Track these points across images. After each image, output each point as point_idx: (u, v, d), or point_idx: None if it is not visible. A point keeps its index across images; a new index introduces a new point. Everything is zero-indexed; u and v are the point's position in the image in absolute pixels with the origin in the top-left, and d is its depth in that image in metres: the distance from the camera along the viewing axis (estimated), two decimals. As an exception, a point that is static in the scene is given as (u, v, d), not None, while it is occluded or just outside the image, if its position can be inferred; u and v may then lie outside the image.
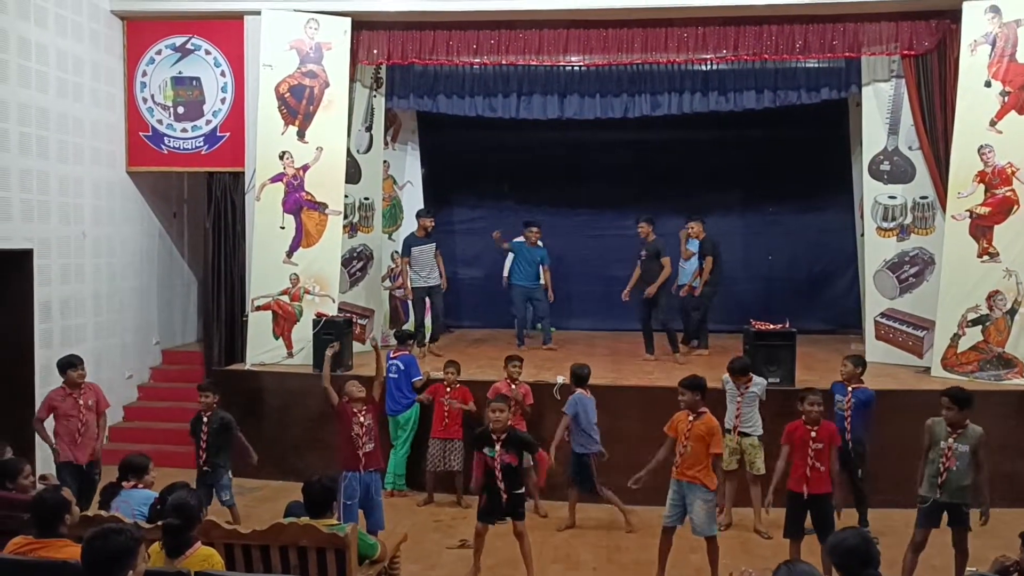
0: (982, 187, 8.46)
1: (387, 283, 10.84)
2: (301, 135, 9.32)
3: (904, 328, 9.39)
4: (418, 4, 9.32)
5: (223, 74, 9.77)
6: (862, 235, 10.17)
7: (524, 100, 10.03)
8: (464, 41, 9.57)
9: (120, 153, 9.85)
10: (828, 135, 10.93)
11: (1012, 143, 8.37)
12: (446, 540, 6.89)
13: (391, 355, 8.27)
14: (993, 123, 8.43)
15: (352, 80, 9.61)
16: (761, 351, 7.99)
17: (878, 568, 3.37)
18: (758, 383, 7.25)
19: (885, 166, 9.48)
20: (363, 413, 6.58)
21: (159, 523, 4.08)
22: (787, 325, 8.29)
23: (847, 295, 11.89)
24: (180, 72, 9.81)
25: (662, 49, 9.43)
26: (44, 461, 7.76)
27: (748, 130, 11.16)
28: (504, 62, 9.70)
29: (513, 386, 7.54)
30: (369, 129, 10.21)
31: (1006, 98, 8.39)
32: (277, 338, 9.28)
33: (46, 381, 8.25)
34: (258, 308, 9.27)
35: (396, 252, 11.00)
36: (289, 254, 9.32)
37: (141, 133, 9.90)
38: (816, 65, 9.63)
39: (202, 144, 9.85)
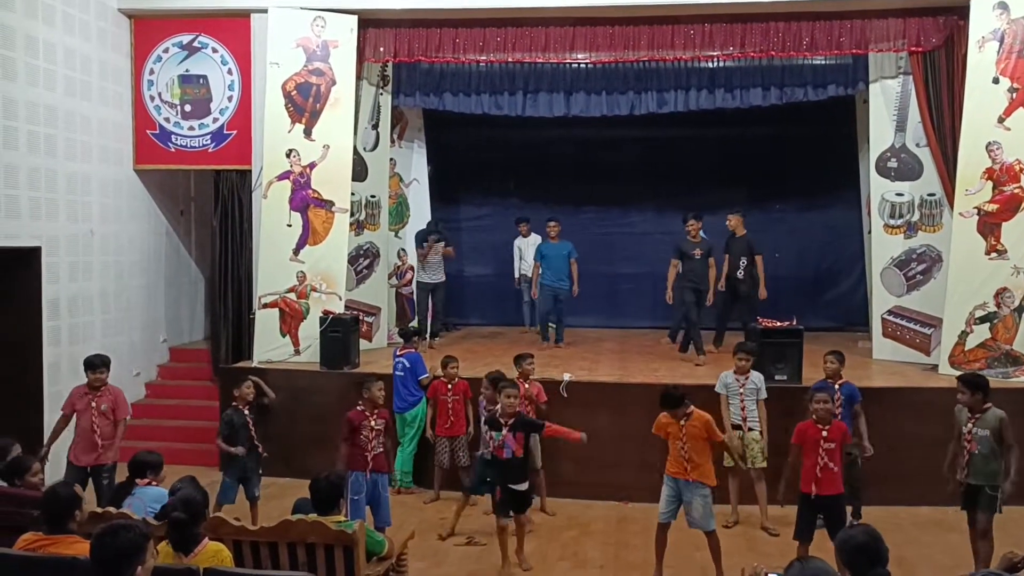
0: (990, 184, 8.43)
1: (393, 280, 10.86)
2: (308, 133, 9.34)
3: (911, 326, 9.36)
4: (424, 2, 9.32)
5: (230, 72, 9.79)
6: (869, 232, 10.14)
7: (530, 98, 10.03)
8: (470, 39, 9.56)
9: (127, 151, 9.88)
10: (835, 132, 10.91)
11: (1020, 140, 8.33)
12: (454, 537, 6.89)
13: (397, 353, 8.28)
14: (1001, 120, 8.39)
15: (359, 78, 9.62)
16: (768, 349, 7.96)
17: (886, 566, 3.33)
18: (756, 377, 7.23)
19: (892, 163, 9.45)
20: (375, 417, 6.55)
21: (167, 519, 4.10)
22: (794, 323, 8.27)
23: (854, 293, 11.88)
24: (187, 70, 9.84)
25: (669, 46, 9.40)
26: (52, 457, 7.81)
27: (755, 127, 11.15)
28: (510, 60, 9.69)
29: (526, 384, 7.41)
30: (376, 127, 10.23)
31: (1014, 95, 8.35)
32: (284, 336, 9.30)
33: (54, 379, 8.30)
34: (265, 306, 9.29)
35: (403, 250, 11.04)
36: (296, 252, 9.34)
37: (148, 131, 9.93)
38: (823, 62, 9.61)
39: (209, 142, 9.88)
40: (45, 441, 6.87)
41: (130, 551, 3.11)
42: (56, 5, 8.58)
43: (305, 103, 9.31)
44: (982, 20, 8.44)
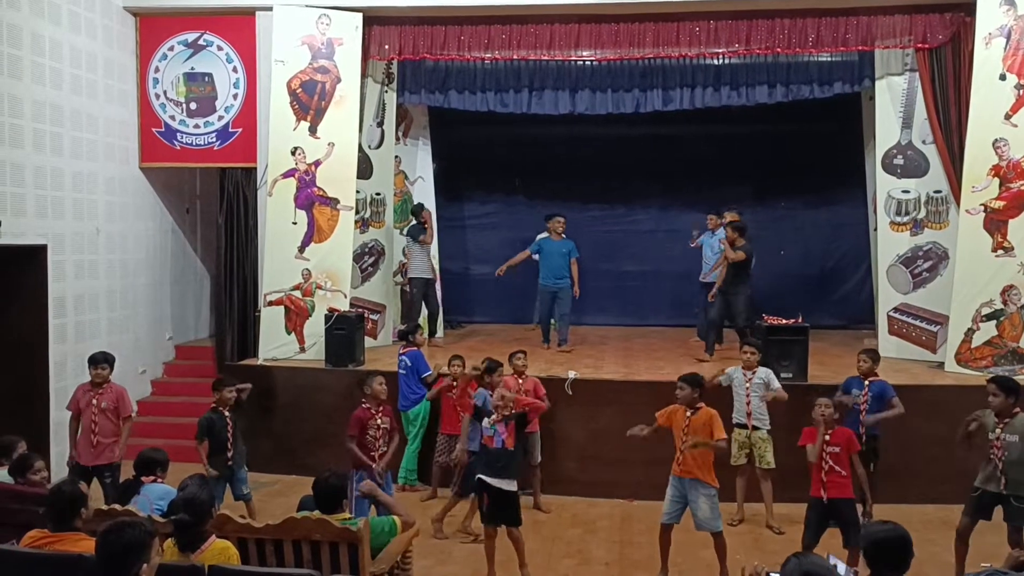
0: (996, 181, 8.40)
1: (399, 278, 10.85)
2: (313, 131, 9.35)
3: (917, 323, 9.34)
4: (429, -1, 9.33)
5: (235, 70, 9.80)
6: (875, 230, 10.11)
7: (535, 95, 10.00)
8: (475, 36, 9.57)
9: (133, 149, 9.89)
10: (841, 129, 10.89)
11: (1028, 137, 8.30)
12: (459, 535, 6.89)
13: (400, 352, 8.29)
14: (1008, 117, 8.36)
15: (363, 76, 9.63)
16: (774, 346, 7.96)
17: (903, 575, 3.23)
18: (763, 372, 7.23)
19: (898, 160, 9.42)
20: (381, 415, 6.54)
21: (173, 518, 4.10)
22: (800, 320, 8.26)
23: (860, 290, 11.85)
24: (192, 68, 9.85)
25: (674, 44, 9.39)
26: (58, 456, 7.84)
27: (760, 125, 11.12)
28: (515, 57, 9.69)
29: (520, 380, 7.44)
30: (380, 124, 10.22)
31: (1021, 91, 8.32)
32: (289, 333, 9.31)
33: (60, 376, 8.32)
34: (270, 303, 9.31)
35: (407, 247, 11.02)
36: (301, 249, 9.35)
37: (154, 129, 9.94)
38: (829, 59, 9.55)
39: (214, 140, 9.89)
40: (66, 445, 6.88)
41: (135, 548, 3.12)
42: (62, 3, 8.60)
43: (310, 101, 9.32)
44: (989, 16, 8.41)
